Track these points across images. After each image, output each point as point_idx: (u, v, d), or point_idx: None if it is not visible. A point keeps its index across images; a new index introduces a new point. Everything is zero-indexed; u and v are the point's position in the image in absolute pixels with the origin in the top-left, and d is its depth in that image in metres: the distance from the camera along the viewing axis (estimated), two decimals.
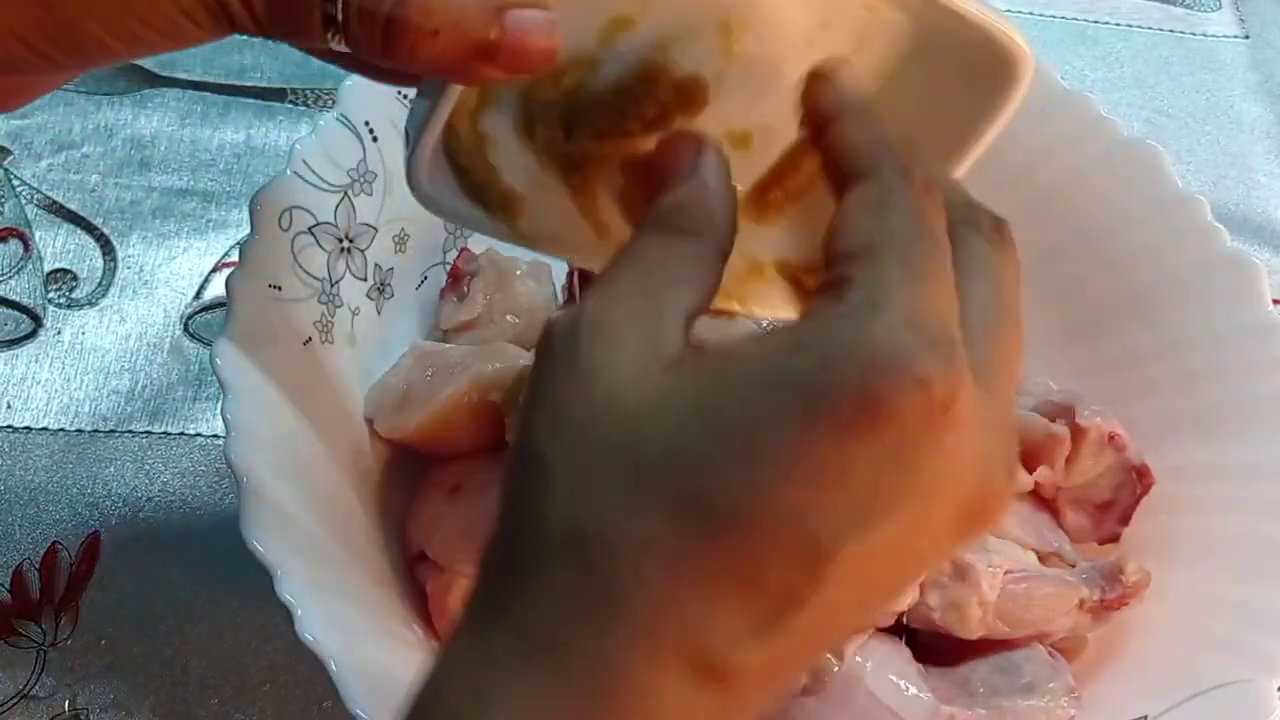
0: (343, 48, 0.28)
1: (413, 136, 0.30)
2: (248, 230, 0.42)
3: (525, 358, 0.45)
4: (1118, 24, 0.77)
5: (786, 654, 0.23)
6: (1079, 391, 0.47)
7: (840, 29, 0.31)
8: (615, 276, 0.26)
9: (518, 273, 0.48)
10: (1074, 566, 0.43)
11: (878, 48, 0.32)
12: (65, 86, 0.62)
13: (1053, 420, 0.45)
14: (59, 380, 0.53)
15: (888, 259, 0.25)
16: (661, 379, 0.24)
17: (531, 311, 0.48)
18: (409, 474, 0.46)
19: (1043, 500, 0.46)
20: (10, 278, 0.55)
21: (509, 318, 0.47)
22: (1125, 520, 0.45)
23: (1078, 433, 0.44)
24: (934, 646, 0.41)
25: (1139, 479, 0.45)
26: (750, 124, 0.33)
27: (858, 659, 0.38)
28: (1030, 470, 0.44)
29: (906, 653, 0.40)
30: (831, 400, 0.23)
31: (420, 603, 0.43)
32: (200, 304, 0.56)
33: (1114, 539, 0.45)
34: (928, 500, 0.23)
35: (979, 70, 0.32)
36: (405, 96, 0.46)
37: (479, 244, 0.50)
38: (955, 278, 0.26)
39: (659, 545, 0.23)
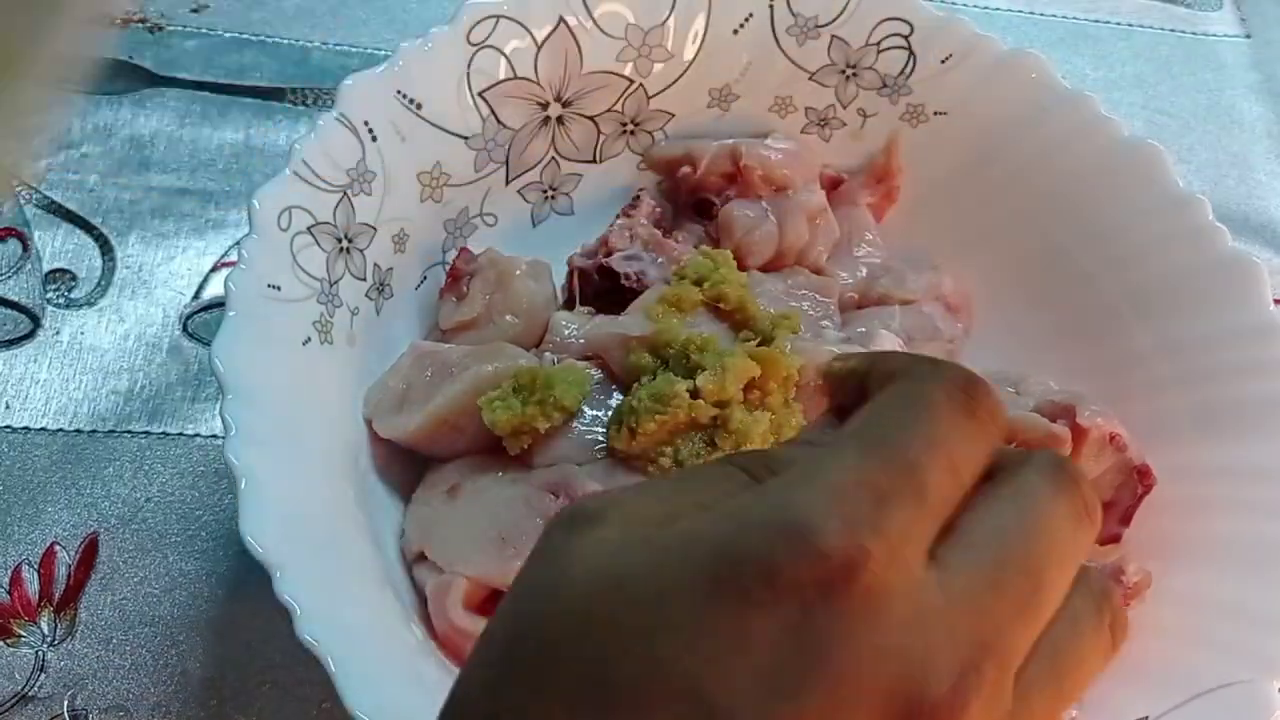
0: None
1: None
2: (247, 230, 0.41)
3: (525, 357, 0.45)
4: (1119, 23, 0.77)
5: None
6: (1080, 392, 0.46)
7: None
8: (647, 484, 0.26)
9: (517, 272, 0.48)
10: None
11: None
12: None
13: (1053, 420, 0.45)
14: (58, 380, 0.53)
15: (847, 438, 0.24)
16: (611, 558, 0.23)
17: (531, 311, 0.47)
18: (408, 474, 0.46)
19: None
20: (9, 277, 0.55)
21: (508, 317, 0.47)
22: (1126, 521, 0.45)
23: (1079, 433, 0.44)
24: None
25: (1140, 479, 0.45)
26: None
27: None
28: None
29: None
30: (736, 569, 0.22)
31: (420, 603, 0.43)
32: (199, 304, 0.56)
33: (1115, 540, 0.45)
34: (837, 686, 0.22)
35: None
36: (406, 97, 0.46)
37: (478, 243, 0.50)
38: (982, 500, 0.25)
39: None
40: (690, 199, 0.53)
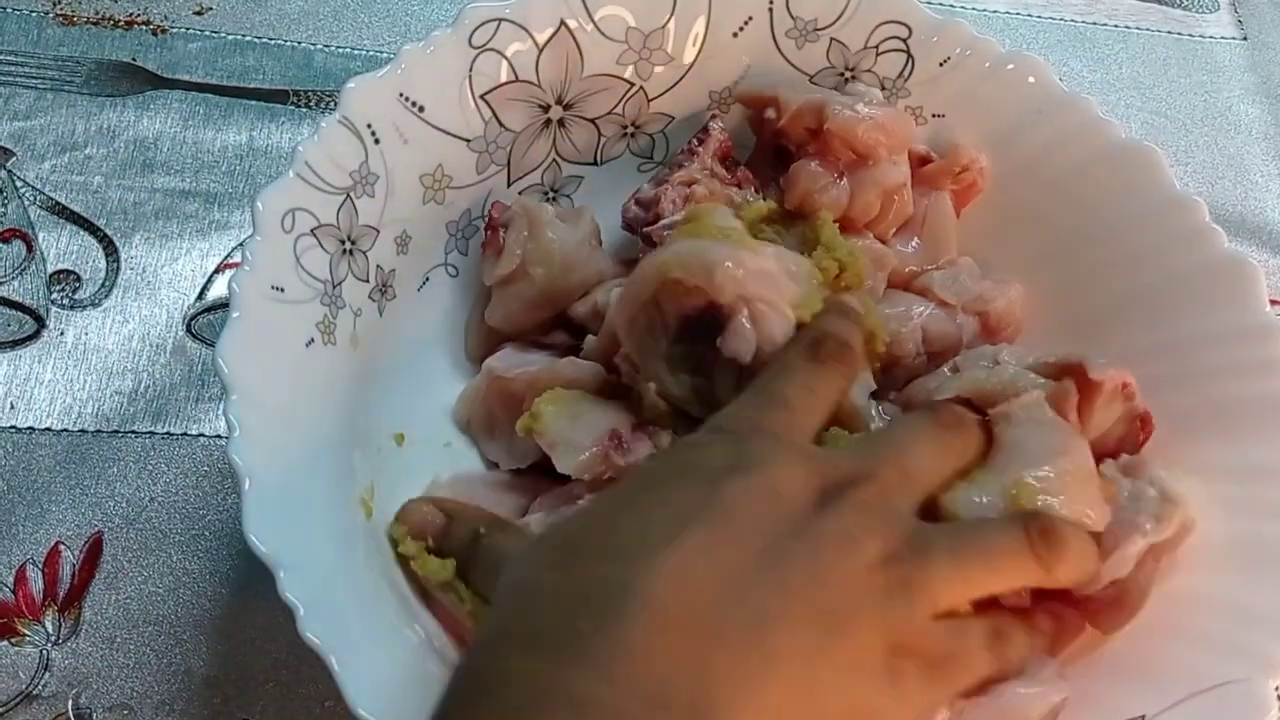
0: None
1: None
2: (250, 231, 0.42)
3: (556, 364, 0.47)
4: (1116, 26, 0.77)
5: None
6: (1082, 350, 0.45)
7: None
8: None
9: (545, 219, 0.49)
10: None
11: None
12: (68, 88, 0.62)
13: (1058, 379, 0.44)
14: (62, 381, 0.53)
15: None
16: None
17: (561, 261, 0.49)
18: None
19: None
20: (13, 279, 0.56)
21: (539, 269, 0.49)
22: None
23: (1092, 387, 0.43)
24: None
25: (1142, 426, 0.45)
26: None
27: None
28: None
29: None
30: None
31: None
32: (203, 305, 0.56)
33: None
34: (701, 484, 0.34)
35: None
36: (408, 99, 0.46)
37: (510, 196, 0.51)
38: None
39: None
40: (772, 142, 0.52)
